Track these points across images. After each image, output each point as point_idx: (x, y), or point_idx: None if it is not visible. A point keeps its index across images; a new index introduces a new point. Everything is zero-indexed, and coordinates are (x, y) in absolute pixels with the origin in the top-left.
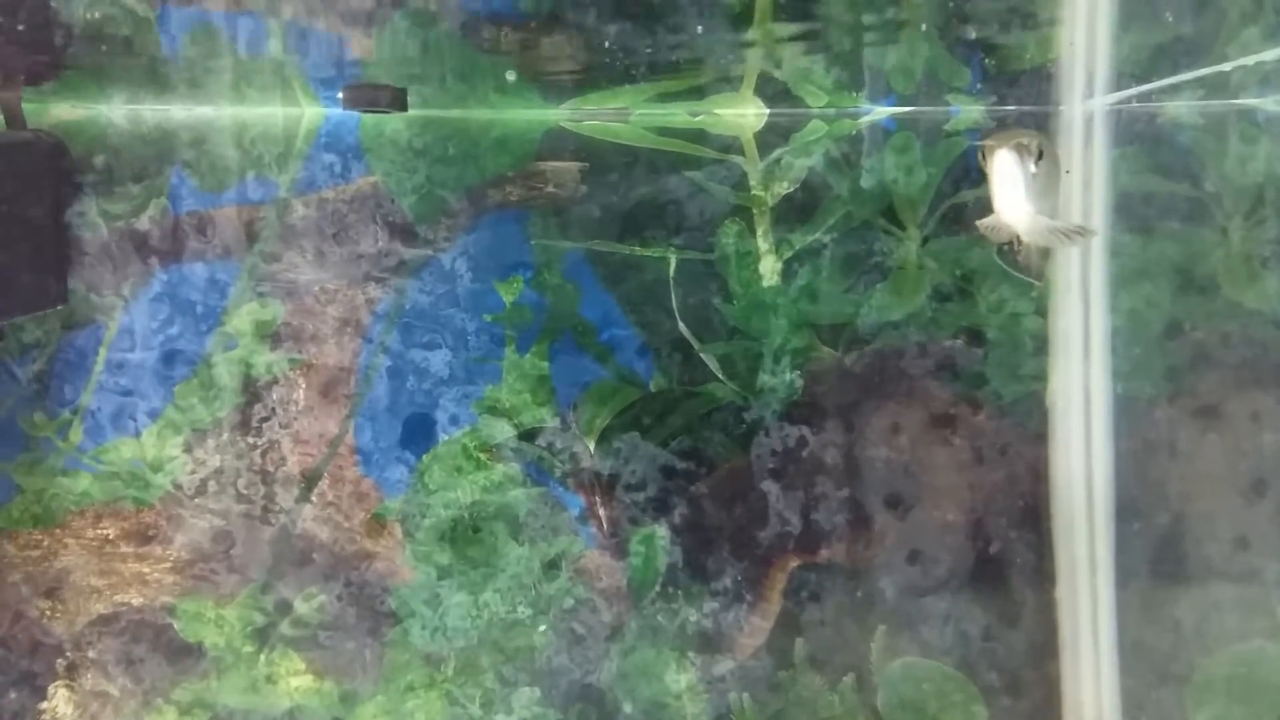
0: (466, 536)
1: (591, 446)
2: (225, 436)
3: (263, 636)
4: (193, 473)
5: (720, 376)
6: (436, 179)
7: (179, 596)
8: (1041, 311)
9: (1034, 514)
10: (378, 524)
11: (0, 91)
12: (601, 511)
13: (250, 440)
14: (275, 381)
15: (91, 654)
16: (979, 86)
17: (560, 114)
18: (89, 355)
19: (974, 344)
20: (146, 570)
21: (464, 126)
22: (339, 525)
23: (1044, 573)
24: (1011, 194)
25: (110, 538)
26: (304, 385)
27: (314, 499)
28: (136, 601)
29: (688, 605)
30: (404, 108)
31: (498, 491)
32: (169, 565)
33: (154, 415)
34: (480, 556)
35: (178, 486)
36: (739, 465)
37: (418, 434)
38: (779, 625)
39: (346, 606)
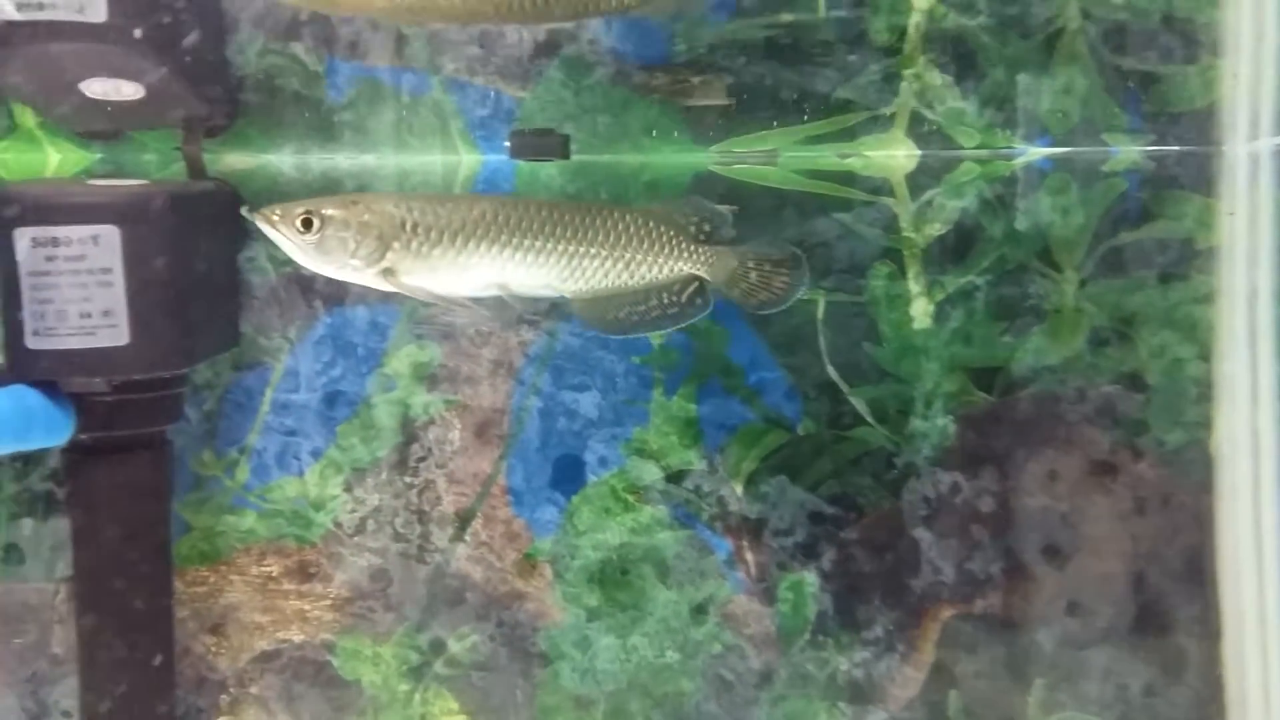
0: (615, 579)
1: (739, 490)
2: (384, 476)
3: (417, 675)
4: (352, 511)
5: (870, 421)
6: None
7: (338, 634)
8: (1205, 356)
9: (1198, 566)
10: (529, 564)
11: (184, 143)
12: (749, 556)
13: (407, 480)
14: (431, 422)
15: (254, 690)
16: (1138, 126)
17: (709, 157)
18: (256, 396)
19: (1134, 389)
20: (307, 607)
21: (615, 171)
22: (491, 565)
23: (1210, 626)
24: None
25: (273, 575)
26: (459, 426)
27: (467, 538)
28: (297, 638)
29: (838, 654)
30: (567, 155)
31: (645, 534)
32: (329, 603)
33: (317, 455)
34: (628, 599)
35: (338, 525)
36: (890, 512)
37: (568, 475)
38: (932, 677)
39: (499, 647)
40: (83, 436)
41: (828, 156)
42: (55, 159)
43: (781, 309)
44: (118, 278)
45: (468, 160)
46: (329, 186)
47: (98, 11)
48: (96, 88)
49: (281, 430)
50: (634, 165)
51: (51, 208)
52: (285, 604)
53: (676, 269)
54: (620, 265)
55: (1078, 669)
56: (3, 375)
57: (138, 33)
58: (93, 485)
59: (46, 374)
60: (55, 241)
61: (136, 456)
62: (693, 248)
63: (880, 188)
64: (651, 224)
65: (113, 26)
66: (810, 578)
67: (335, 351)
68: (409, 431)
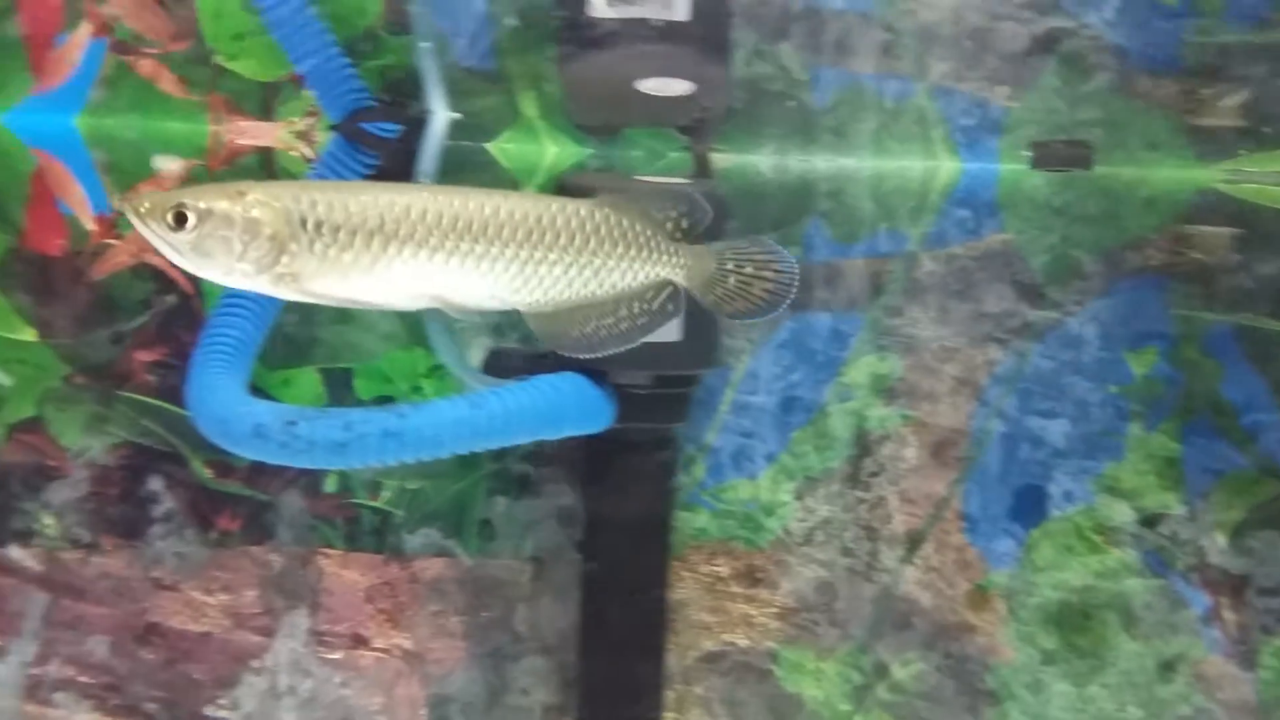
0: (1075, 622)
1: (1222, 541)
2: (835, 487)
3: (859, 697)
4: (802, 520)
5: None
6: (1072, 239)
7: (782, 644)
8: None
9: None
10: (981, 596)
11: (695, 141)
12: (1229, 614)
13: (858, 494)
14: (886, 437)
15: (698, 690)
16: None
17: (1214, 175)
18: (716, 395)
19: None
20: (753, 612)
21: (1107, 185)
22: (941, 592)
23: None
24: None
25: (722, 576)
26: (915, 443)
27: (917, 561)
28: (742, 643)
29: None
30: (1089, 166)
31: (1111, 578)
32: (774, 610)
33: (770, 459)
34: (1088, 646)
35: (787, 532)
36: None
37: (1028, 506)
38: None
39: (945, 678)
40: (616, 427)
41: None
42: (552, 151)
43: (762, 321)
44: None
45: (947, 167)
46: (804, 189)
47: (682, 11)
48: (650, 85)
49: (738, 431)
50: (1130, 179)
51: None
52: (732, 606)
53: (651, 274)
54: (587, 273)
55: None
56: (551, 364)
57: (710, 34)
58: (617, 475)
59: (600, 364)
60: None
61: (658, 450)
62: (670, 248)
63: None
64: (625, 222)
65: (692, 26)
66: None
67: (796, 357)
68: (863, 444)
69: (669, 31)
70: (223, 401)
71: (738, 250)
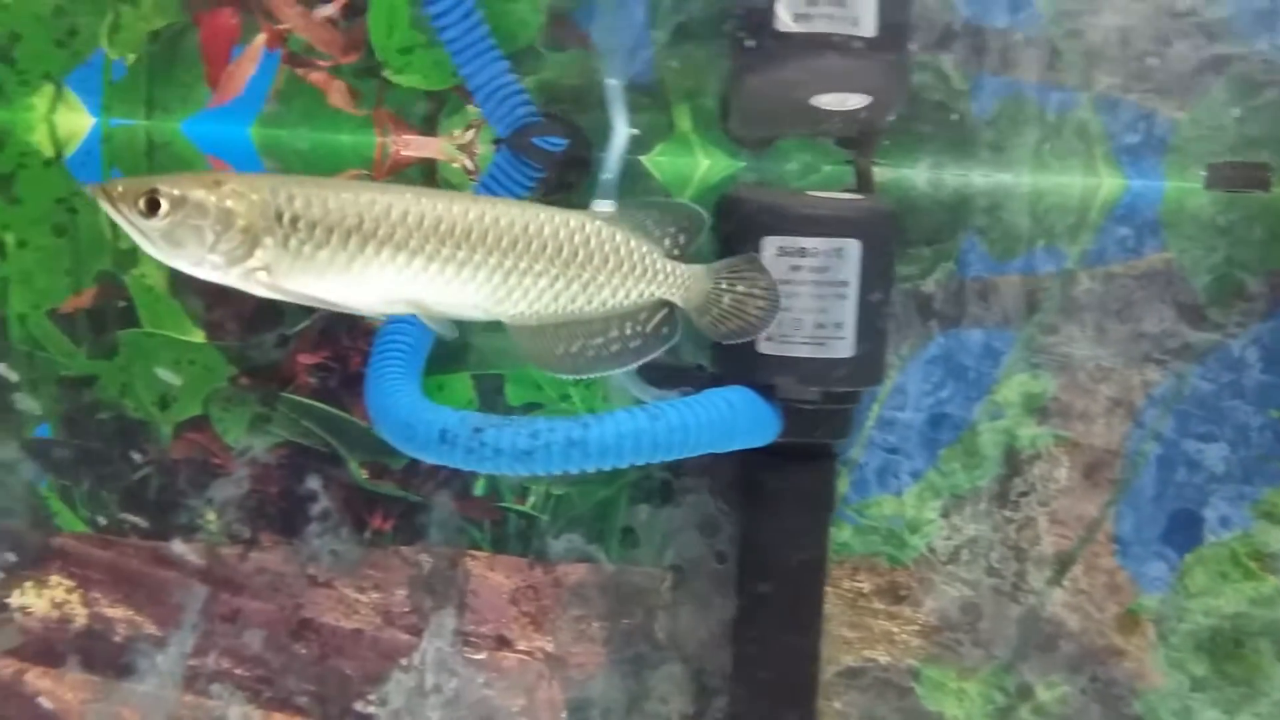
0: (1227, 650)
1: None
2: (982, 506)
3: (1001, 718)
4: (947, 539)
5: None
6: (1237, 259)
7: (923, 661)
8: None
9: None
10: (1131, 620)
11: (859, 155)
12: None
13: (1006, 514)
14: (1037, 456)
15: (837, 705)
16: None
17: None
18: (862, 411)
19: None
20: (895, 629)
21: (1275, 205)
22: (1089, 615)
23: None
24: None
25: (864, 591)
26: (1067, 464)
27: (1065, 583)
28: (883, 659)
29: None
30: (1267, 188)
31: (1266, 606)
32: (916, 628)
33: (916, 476)
34: (1240, 674)
35: (931, 550)
36: None
37: (1183, 531)
38: None
39: (1090, 702)
40: (781, 441)
41: None
42: (704, 165)
43: (748, 340)
44: (852, 291)
45: (1109, 184)
46: (960, 204)
47: (869, 26)
48: (826, 100)
49: (884, 447)
50: None
51: (802, 219)
52: (874, 622)
53: (646, 293)
54: (575, 287)
55: None
56: (718, 377)
57: (894, 50)
58: (781, 490)
59: (773, 379)
60: (802, 252)
61: (820, 465)
62: (667, 267)
63: None
64: (618, 237)
65: (878, 42)
66: None
67: (945, 373)
68: (1013, 463)
69: (856, 47)
70: (407, 407)
71: (732, 269)
